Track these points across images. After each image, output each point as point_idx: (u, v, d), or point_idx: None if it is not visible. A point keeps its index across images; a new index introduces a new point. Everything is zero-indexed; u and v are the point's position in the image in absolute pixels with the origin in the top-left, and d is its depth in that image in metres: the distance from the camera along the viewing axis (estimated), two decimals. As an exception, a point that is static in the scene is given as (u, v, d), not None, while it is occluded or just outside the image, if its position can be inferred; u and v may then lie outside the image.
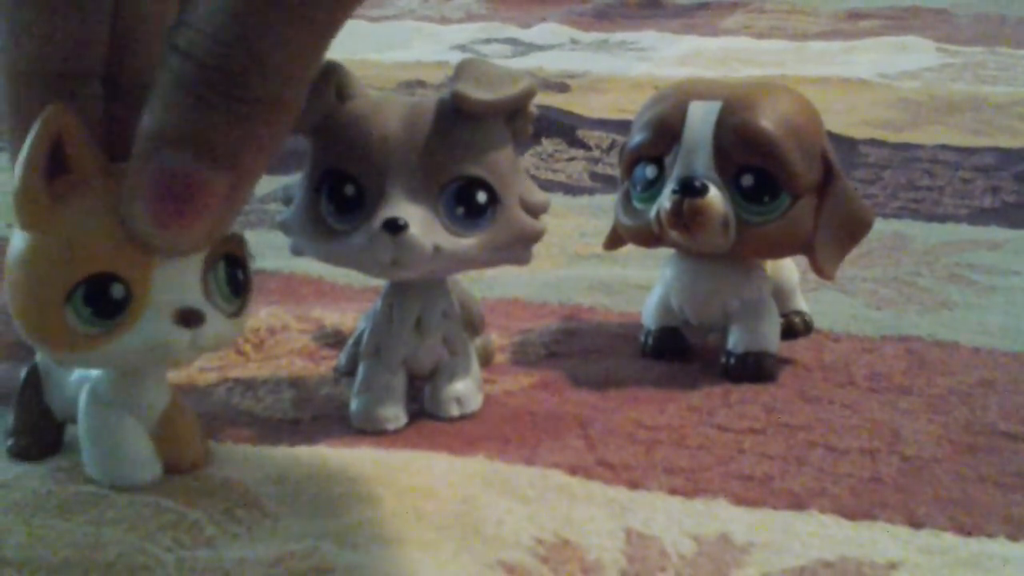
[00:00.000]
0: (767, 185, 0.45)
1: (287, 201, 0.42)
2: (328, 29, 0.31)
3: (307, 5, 0.30)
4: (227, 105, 0.31)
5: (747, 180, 0.45)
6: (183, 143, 0.31)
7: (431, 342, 0.43)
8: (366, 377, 0.43)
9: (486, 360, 0.47)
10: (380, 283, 0.44)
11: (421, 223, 0.39)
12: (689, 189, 0.44)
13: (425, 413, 0.43)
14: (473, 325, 0.46)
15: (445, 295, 0.43)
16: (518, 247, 0.41)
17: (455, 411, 0.43)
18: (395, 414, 0.42)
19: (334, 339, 0.50)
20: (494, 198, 0.40)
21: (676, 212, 0.44)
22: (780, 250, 0.47)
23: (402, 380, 0.43)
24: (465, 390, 0.43)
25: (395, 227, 0.38)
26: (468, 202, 0.40)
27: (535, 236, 0.41)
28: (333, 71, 0.41)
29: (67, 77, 0.36)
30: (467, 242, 0.40)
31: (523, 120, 0.41)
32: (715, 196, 0.44)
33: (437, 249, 0.39)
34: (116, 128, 0.36)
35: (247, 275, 0.38)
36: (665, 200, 0.45)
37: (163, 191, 0.32)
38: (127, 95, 0.36)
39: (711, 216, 0.44)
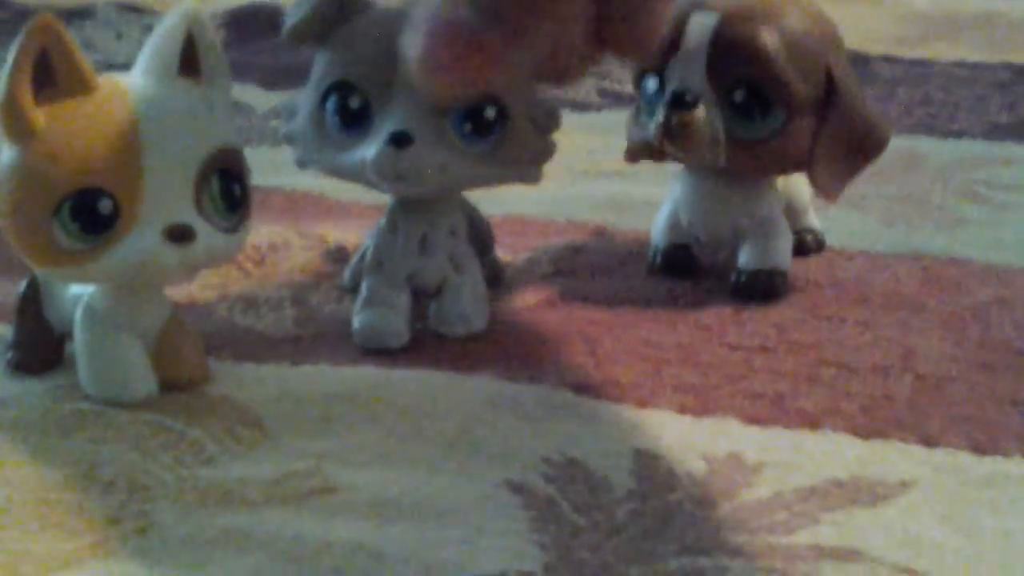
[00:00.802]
0: (759, 99, 0.43)
1: (290, 113, 0.41)
2: None
3: None
4: None
5: (739, 94, 0.44)
6: (464, 1, 0.32)
7: (437, 259, 0.42)
8: (369, 293, 0.42)
9: (493, 279, 0.46)
10: (386, 200, 0.43)
11: (428, 138, 0.38)
12: (678, 103, 0.43)
13: (429, 331, 0.42)
14: (481, 243, 0.45)
15: (452, 212, 0.42)
16: (528, 165, 0.40)
17: (461, 330, 0.42)
18: (398, 330, 0.41)
19: (338, 255, 0.49)
20: (503, 114, 0.39)
21: (665, 126, 0.43)
22: (774, 167, 0.45)
23: (406, 297, 0.42)
24: (471, 309, 0.42)
25: (401, 140, 0.38)
26: (476, 118, 0.39)
27: (546, 154, 0.41)
28: None
29: None
30: (475, 159, 0.39)
31: (570, 55, 0.40)
32: (702, 111, 0.43)
33: (443, 165, 0.38)
34: None
35: (245, 189, 0.37)
36: (659, 114, 0.44)
37: (434, 38, 0.33)
38: None
39: (698, 130, 0.43)
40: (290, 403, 0.38)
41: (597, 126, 0.68)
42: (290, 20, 0.40)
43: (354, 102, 0.39)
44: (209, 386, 0.39)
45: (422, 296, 0.43)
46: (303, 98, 0.40)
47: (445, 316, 0.42)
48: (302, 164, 0.41)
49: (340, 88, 0.39)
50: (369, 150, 0.38)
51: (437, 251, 0.42)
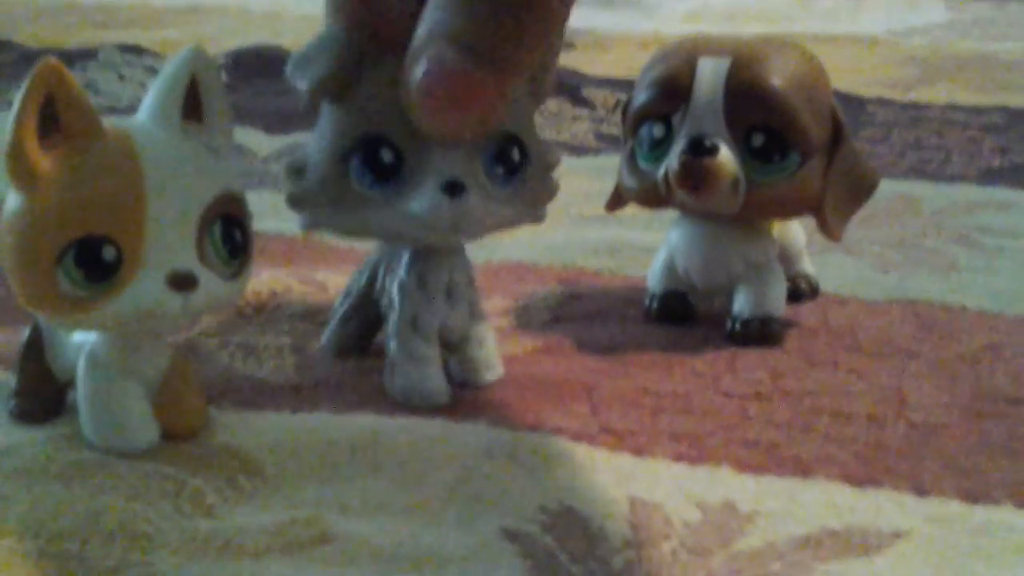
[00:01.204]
0: (777, 144, 0.44)
1: (295, 174, 0.40)
2: None
3: None
4: (496, 9, 0.33)
5: (757, 139, 0.44)
6: (454, 40, 0.33)
7: (462, 309, 0.42)
8: (406, 351, 0.41)
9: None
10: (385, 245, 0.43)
11: (472, 184, 0.38)
12: (700, 149, 0.43)
13: (454, 382, 0.42)
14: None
15: (466, 261, 0.42)
16: (540, 205, 0.41)
17: (490, 376, 0.43)
18: (442, 387, 0.41)
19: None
20: (524, 156, 0.39)
21: (686, 172, 0.44)
22: (789, 210, 0.46)
23: (438, 352, 0.41)
24: (494, 355, 0.43)
25: (456, 188, 0.37)
26: (506, 161, 0.39)
27: (552, 192, 0.41)
28: (356, 30, 0.38)
29: None
30: (504, 201, 0.39)
31: (544, 73, 0.40)
32: (726, 156, 0.44)
33: (488, 211, 0.38)
34: (392, 19, 0.38)
35: (246, 235, 0.37)
36: (674, 160, 0.44)
37: (431, 83, 0.34)
38: None
39: (722, 176, 0.43)
40: (290, 451, 0.38)
41: (594, 170, 0.68)
42: (310, 76, 0.38)
43: (386, 155, 0.38)
44: (210, 434, 0.39)
45: (445, 347, 0.42)
46: (313, 157, 0.39)
47: (473, 365, 0.42)
48: (313, 227, 0.40)
49: (369, 142, 0.38)
50: (416, 202, 0.37)
51: (461, 301, 0.42)
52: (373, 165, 0.38)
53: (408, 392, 0.41)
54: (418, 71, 0.34)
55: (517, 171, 0.39)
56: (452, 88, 0.34)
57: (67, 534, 0.33)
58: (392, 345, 0.41)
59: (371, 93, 0.38)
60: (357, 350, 0.45)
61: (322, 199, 0.39)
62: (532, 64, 0.35)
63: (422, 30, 0.34)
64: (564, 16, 0.34)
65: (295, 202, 0.40)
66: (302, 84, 0.39)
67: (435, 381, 0.41)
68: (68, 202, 0.34)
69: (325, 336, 0.45)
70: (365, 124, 0.38)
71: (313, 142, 0.40)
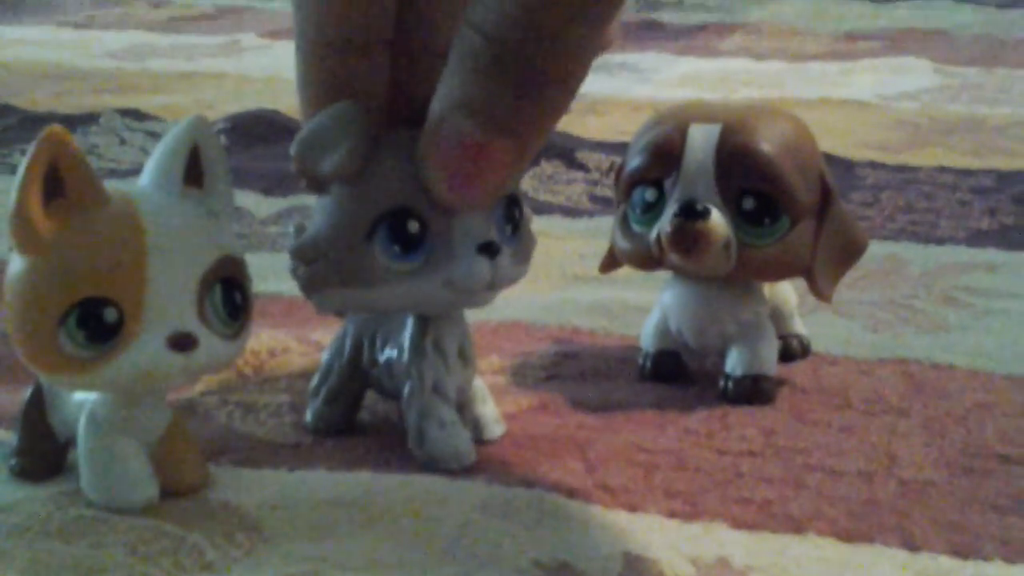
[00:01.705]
0: (768, 208, 0.45)
1: (305, 258, 0.39)
2: (612, 9, 0.33)
3: None
4: (511, 78, 0.33)
5: (748, 203, 0.45)
6: (470, 112, 0.34)
7: (471, 369, 0.42)
8: (435, 417, 0.41)
9: None
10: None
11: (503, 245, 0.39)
12: (691, 213, 0.44)
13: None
14: None
15: (465, 321, 0.43)
16: (529, 260, 0.41)
17: (499, 431, 0.43)
18: (471, 446, 0.42)
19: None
20: (521, 211, 0.40)
21: (678, 235, 0.44)
22: (780, 273, 0.47)
23: (456, 412, 0.42)
24: (495, 410, 0.44)
25: (493, 250, 0.38)
26: (512, 219, 0.40)
27: (535, 243, 0.42)
28: (360, 111, 0.38)
29: (355, 45, 0.38)
30: (514, 258, 0.40)
31: None
32: (717, 219, 0.44)
33: (510, 268, 0.39)
34: (401, 92, 0.39)
35: (246, 297, 0.38)
36: (666, 223, 0.45)
37: (450, 156, 0.35)
38: (416, 61, 0.39)
39: (714, 239, 0.44)
40: (288, 508, 0.38)
41: (588, 232, 0.69)
42: (331, 159, 0.38)
43: (412, 226, 0.38)
44: (208, 491, 0.39)
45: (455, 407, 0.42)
46: (326, 238, 0.39)
47: (482, 421, 0.43)
48: (330, 308, 0.40)
49: (395, 215, 0.38)
50: (457, 267, 0.38)
51: (471, 360, 0.42)
52: (400, 237, 0.38)
53: (444, 457, 0.41)
54: (436, 145, 0.35)
55: (519, 228, 0.40)
56: (472, 161, 0.35)
57: (67, 590, 0.34)
58: (414, 413, 0.41)
59: (390, 167, 0.38)
60: (346, 428, 0.44)
61: (339, 279, 0.39)
62: (550, 128, 0.35)
63: (438, 102, 0.35)
64: (581, 81, 0.34)
65: (311, 287, 0.40)
66: (323, 167, 0.38)
67: (466, 442, 0.42)
68: (71, 265, 0.35)
69: (309, 416, 0.44)
70: (388, 198, 0.38)
71: (322, 223, 0.39)
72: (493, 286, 0.39)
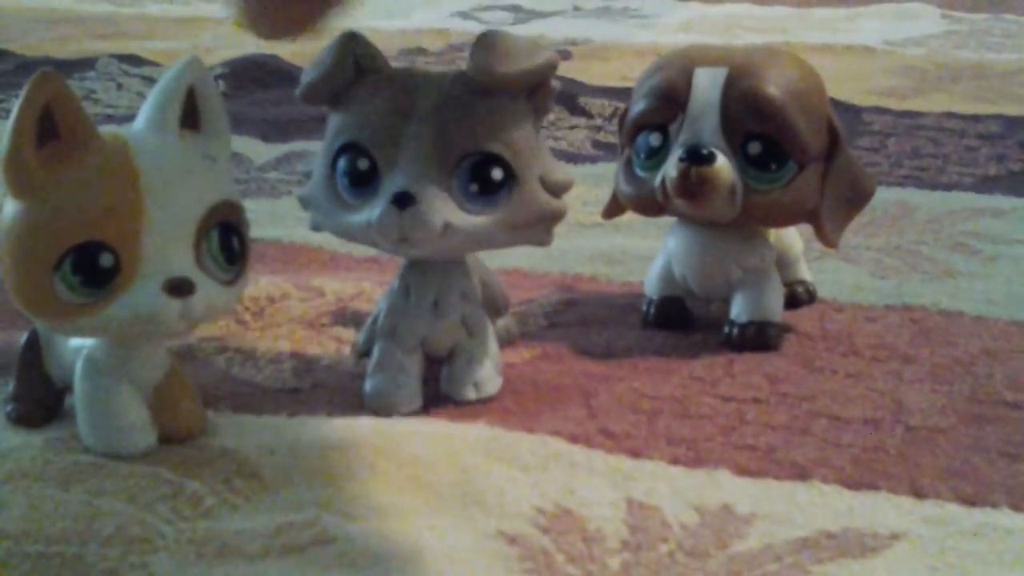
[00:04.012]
0: (774, 153, 0.44)
1: (306, 176, 0.41)
2: None
3: None
4: None
5: (754, 148, 0.44)
6: None
7: (449, 323, 0.41)
8: (381, 358, 0.41)
9: (508, 342, 0.46)
10: (383, 253, 0.44)
11: (431, 198, 0.38)
12: (697, 157, 0.44)
13: (441, 394, 0.42)
14: (495, 306, 0.44)
15: (464, 275, 0.42)
16: (537, 227, 0.40)
17: (472, 395, 0.42)
18: (409, 397, 0.41)
19: (335, 307, 0.50)
20: (511, 175, 0.39)
21: (683, 180, 0.44)
22: (786, 218, 0.46)
23: (418, 362, 0.41)
24: (483, 373, 0.42)
25: (404, 201, 0.37)
26: (483, 179, 0.39)
27: (556, 216, 0.40)
28: (354, 42, 0.40)
29: None
30: (480, 220, 0.39)
31: (544, 95, 0.40)
32: (723, 164, 0.44)
33: (447, 226, 0.38)
34: None
35: (243, 242, 0.37)
36: (671, 168, 0.44)
37: None
38: None
39: (719, 184, 0.44)
40: (288, 454, 0.38)
41: (591, 178, 0.68)
42: (305, 79, 0.40)
43: (362, 163, 0.39)
44: (207, 438, 0.39)
45: (434, 360, 0.42)
46: (317, 161, 0.40)
47: (457, 380, 0.42)
48: (317, 227, 0.41)
49: (349, 150, 0.39)
50: (374, 211, 0.38)
51: (449, 314, 0.41)
52: (352, 172, 0.39)
53: (374, 397, 0.41)
54: None
55: (499, 190, 0.39)
56: None
57: (65, 537, 0.33)
58: (373, 352, 0.42)
59: (356, 103, 0.39)
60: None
61: (319, 201, 0.40)
62: None
63: None
64: None
65: (303, 202, 0.41)
66: (299, 88, 0.40)
67: (404, 390, 0.41)
68: (66, 209, 0.34)
69: (359, 336, 0.44)
70: (348, 133, 0.39)
71: (321, 147, 0.41)
72: (407, 238, 0.38)
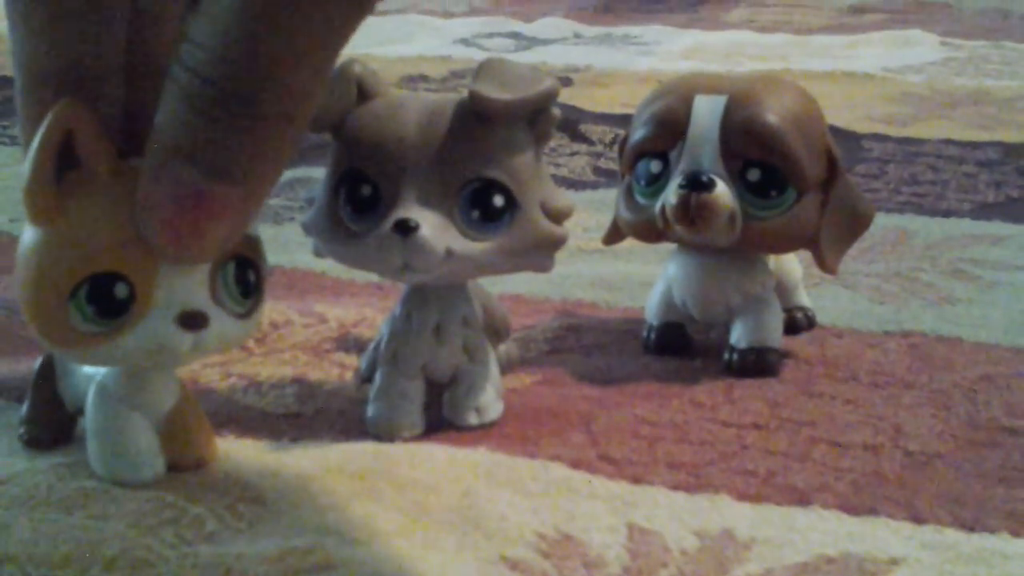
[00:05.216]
0: (774, 180, 0.45)
1: (308, 203, 0.41)
2: (335, 44, 0.30)
3: (313, 22, 0.29)
4: (235, 122, 0.30)
5: (753, 175, 0.45)
6: (193, 159, 0.31)
7: (450, 349, 0.42)
8: (383, 384, 0.42)
9: (509, 368, 0.46)
10: (385, 280, 0.44)
11: (433, 225, 0.38)
12: (697, 184, 0.44)
13: (444, 420, 0.42)
14: (497, 332, 0.44)
15: (466, 301, 0.42)
16: (539, 253, 0.40)
17: (474, 420, 0.42)
18: (411, 422, 0.41)
19: (338, 333, 0.50)
20: (512, 202, 0.39)
21: (683, 207, 0.44)
22: (785, 245, 0.47)
23: (420, 387, 0.42)
24: (485, 399, 0.42)
25: (405, 228, 0.38)
26: (484, 205, 0.39)
27: (557, 242, 0.40)
28: (354, 69, 0.40)
29: (84, 78, 0.35)
30: (482, 247, 0.39)
31: (545, 122, 0.40)
32: (722, 191, 0.44)
33: (449, 253, 0.38)
34: (134, 121, 0.36)
35: (259, 276, 0.37)
36: (671, 195, 0.45)
37: (174, 206, 0.32)
38: (144, 80, 0.36)
39: (718, 211, 0.44)
40: (291, 479, 0.38)
41: (592, 204, 0.69)
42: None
43: (365, 190, 0.39)
44: (211, 463, 0.39)
45: (436, 385, 0.42)
46: (319, 188, 0.40)
47: (458, 406, 0.42)
48: (319, 254, 0.41)
49: (351, 177, 0.39)
50: (375, 239, 0.38)
51: (451, 340, 0.42)
52: (354, 198, 0.39)
53: (377, 423, 0.42)
54: (154, 194, 0.32)
55: (501, 216, 0.39)
56: (194, 211, 0.32)
57: (68, 561, 0.34)
58: (375, 377, 0.42)
59: (358, 129, 0.39)
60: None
61: (323, 227, 0.40)
62: (279, 171, 0.32)
63: (153, 148, 0.32)
64: (308, 117, 0.31)
65: (305, 229, 0.41)
66: None
67: (405, 415, 0.41)
68: (83, 238, 0.34)
69: (362, 362, 0.44)
70: (350, 160, 0.40)
71: (324, 174, 0.41)
72: (409, 265, 0.38)
